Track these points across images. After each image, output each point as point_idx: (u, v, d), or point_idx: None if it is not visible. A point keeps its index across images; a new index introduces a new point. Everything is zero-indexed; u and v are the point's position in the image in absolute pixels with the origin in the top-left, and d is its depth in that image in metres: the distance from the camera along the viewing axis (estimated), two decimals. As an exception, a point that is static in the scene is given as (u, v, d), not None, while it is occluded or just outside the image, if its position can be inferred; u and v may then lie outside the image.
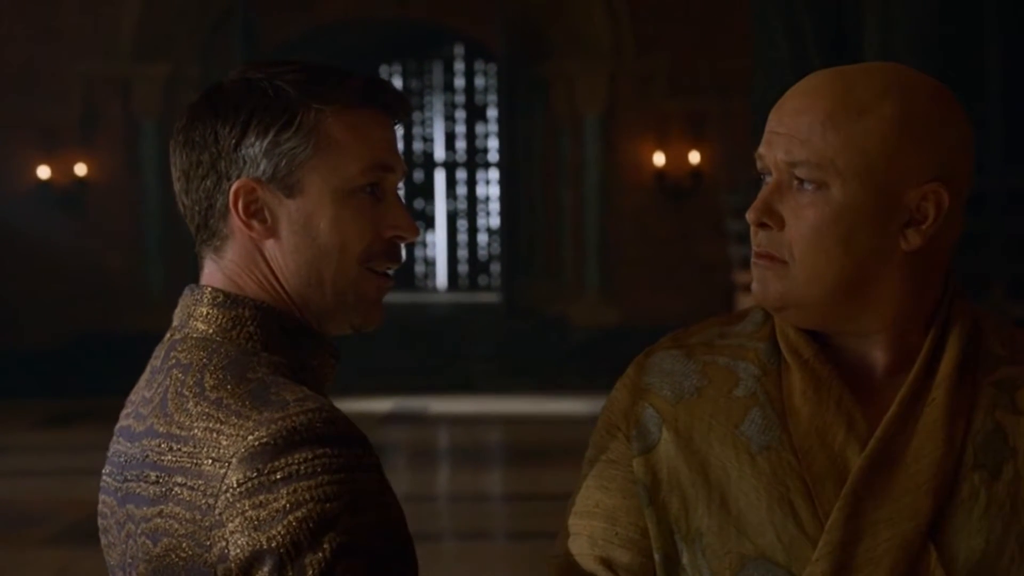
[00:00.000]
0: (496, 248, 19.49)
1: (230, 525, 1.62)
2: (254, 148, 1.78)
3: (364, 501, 1.63)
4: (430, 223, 20.22)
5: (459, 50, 19.93)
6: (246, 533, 1.61)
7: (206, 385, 1.71)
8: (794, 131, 1.77)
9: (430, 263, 20.51)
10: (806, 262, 1.77)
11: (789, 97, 1.81)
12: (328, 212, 1.79)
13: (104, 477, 1.84)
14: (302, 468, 1.61)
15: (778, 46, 12.51)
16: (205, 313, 1.80)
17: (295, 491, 1.61)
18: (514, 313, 17.26)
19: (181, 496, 1.67)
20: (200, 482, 1.66)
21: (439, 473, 12.24)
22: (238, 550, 1.62)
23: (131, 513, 1.74)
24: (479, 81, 20.12)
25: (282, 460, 1.62)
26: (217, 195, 1.80)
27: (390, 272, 1.86)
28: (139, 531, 1.72)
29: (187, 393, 1.72)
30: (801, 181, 1.77)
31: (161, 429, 1.72)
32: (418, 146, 20.29)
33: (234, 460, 1.63)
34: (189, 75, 16.33)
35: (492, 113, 19.59)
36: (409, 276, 20.03)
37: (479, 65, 19.94)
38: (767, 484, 1.78)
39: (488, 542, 9.46)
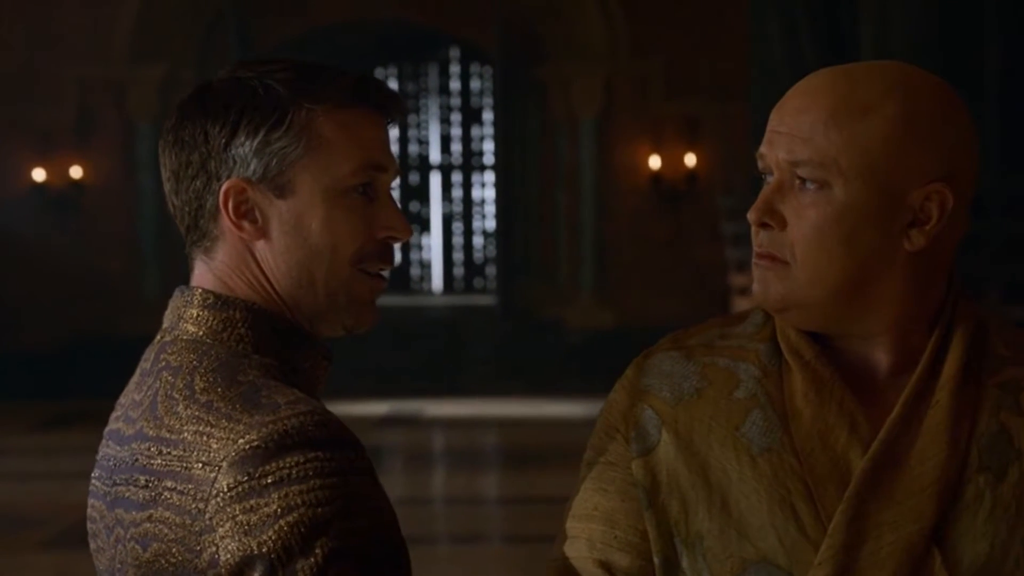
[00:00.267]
0: (492, 251, 19.49)
1: (220, 530, 1.60)
2: (244, 148, 1.76)
3: (356, 505, 1.61)
4: (425, 226, 20.22)
5: (455, 52, 19.92)
6: (237, 538, 1.59)
7: (196, 388, 1.69)
8: (796, 130, 1.75)
9: (426, 266, 20.51)
10: (808, 263, 1.75)
11: (791, 96, 1.79)
12: (319, 212, 1.77)
13: (93, 481, 1.82)
14: (293, 472, 1.59)
15: (775, 49, 12.52)
16: (195, 315, 1.78)
17: (286, 495, 1.59)
18: (510, 316, 17.27)
19: (171, 500, 1.65)
20: (190, 486, 1.64)
21: (434, 476, 12.23)
22: (228, 555, 1.60)
23: (120, 518, 1.72)
24: (475, 84, 20.12)
25: (273, 464, 1.60)
26: (207, 195, 1.78)
27: (383, 273, 1.83)
28: (128, 536, 1.70)
29: (177, 396, 1.70)
30: (803, 181, 1.76)
31: (151, 432, 1.70)
32: (414, 149, 20.29)
33: (224, 464, 1.61)
34: (185, 77, 16.32)
35: (488, 116, 19.58)
36: (405, 279, 20.05)
37: (475, 68, 19.93)
38: (768, 486, 1.76)
39: (483, 545, 9.46)
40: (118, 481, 1.73)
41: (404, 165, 19.71)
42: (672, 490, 1.81)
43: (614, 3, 16.69)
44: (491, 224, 19.47)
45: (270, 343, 1.76)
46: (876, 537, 1.73)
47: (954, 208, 1.75)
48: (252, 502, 1.59)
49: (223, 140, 1.76)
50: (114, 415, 1.81)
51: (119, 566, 1.73)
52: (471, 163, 20.18)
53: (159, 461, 1.68)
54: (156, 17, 16.57)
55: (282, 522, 1.58)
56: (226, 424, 1.64)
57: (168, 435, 1.68)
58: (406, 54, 19.78)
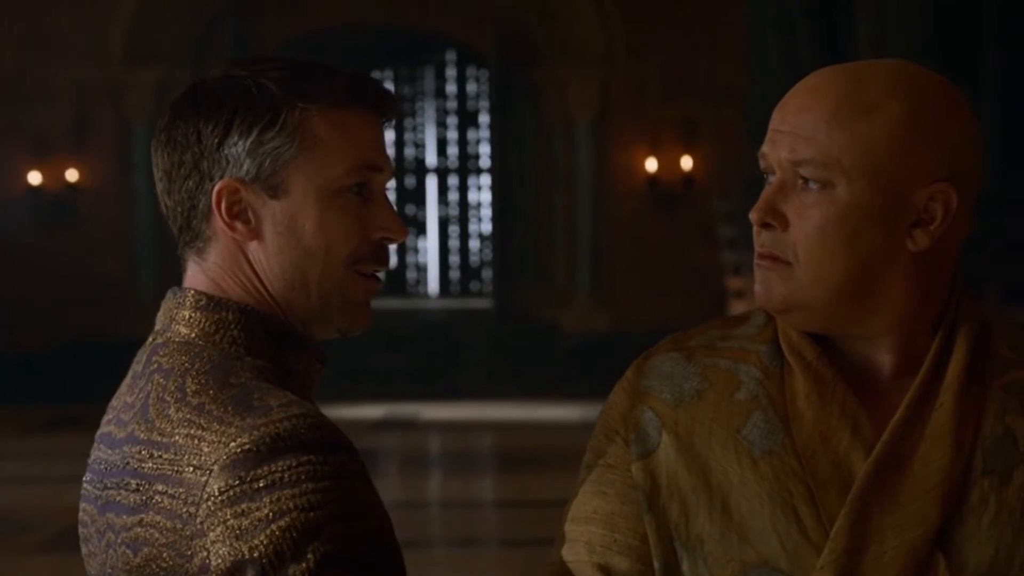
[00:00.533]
0: (488, 254, 19.48)
1: (212, 534, 1.58)
2: (237, 147, 1.74)
3: (350, 509, 1.58)
4: (422, 229, 20.24)
5: (451, 56, 19.94)
6: (228, 543, 1.57)
7: (188, 390, 1.67)
8: (798, 129, 1.73)
9: (422, 269, 20.53)
10: (811, 263, 1.73)
11: (793, 95, 1.77)
12: (313, 213, 1.74)
13: (85, 484, 1.80)
14: (286, 476, 1.57)
15: (772, 50, 12.52)
16: (187, 316, 1.75)
17: (278, 499, 1.56)
18: (506, 319, 17.27)
19: (162, 504, 1.63)
20: (181, 490, 1.62)
21: (430, 480, 12.23)
22: (220, 560, 1.58)
23: (111, 522, 1.70)
24: (471, 87, 20.13)
25: (265, 467, 1.57)
26: (200, 196, 1.76)
27: (378, 274, 1.81)
28: (119, 540, 1.68)
29: (168, 399, 1.68)
30: (806, 180, 1.74)
31: (142, 436, 1.68)
32: (410, 152, 20.30)
33: (216, 467, 1.59)
34: (181, 80, 16.27)
35: (484, 119, 19.58)
36: (401, 282, 20.08)
37: (471, 71, 19.95)
38: (770, 489, 1.74)
39: (479, 549, 9.45)
40: (109, 485, 1.71)
41: (400, 168, 19.73)
42: (672, 493, 1.79)
43: (610, 5, 16.71)
44: (487, 227, 19.47)
45: (263, 345, 1.74)
46: (879, 541, 1.71)
47: (958, 208, 1.73)
48: (243, 506, 1.57)
49: (216, 140, 1.74)
50: (106, 418, 1.79)
51: (110, 571, 1.71)
52: (467, 166, 20.20)
53: (150, 464, 1.65)
54: (152, 20, 16.59)
55: (274, 527, 1.56)
56: (218, 427, 1.61)
57: (159, 438, 1.66)
58: (402, 57, 19.79)
